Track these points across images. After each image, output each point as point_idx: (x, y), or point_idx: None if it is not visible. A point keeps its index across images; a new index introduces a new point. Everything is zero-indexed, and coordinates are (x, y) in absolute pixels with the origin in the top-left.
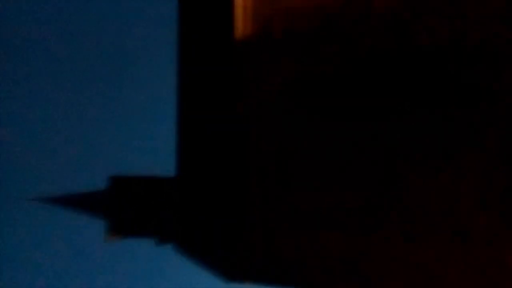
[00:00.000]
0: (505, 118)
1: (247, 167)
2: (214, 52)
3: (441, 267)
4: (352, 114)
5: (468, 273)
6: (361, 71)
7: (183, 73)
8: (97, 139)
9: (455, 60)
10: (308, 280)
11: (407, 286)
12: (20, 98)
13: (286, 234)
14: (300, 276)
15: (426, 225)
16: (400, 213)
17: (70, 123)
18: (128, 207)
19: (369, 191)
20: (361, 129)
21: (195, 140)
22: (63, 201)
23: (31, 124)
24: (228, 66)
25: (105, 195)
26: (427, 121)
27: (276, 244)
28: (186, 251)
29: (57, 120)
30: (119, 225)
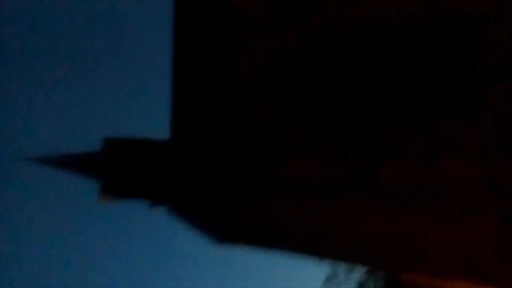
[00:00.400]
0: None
1: (235, 132)
2: (208, 17)
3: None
4: (342, 99)
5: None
6: (347, 48)
7: (178, 38)
8: (91, 101)
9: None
10: (299, 243)
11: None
12: (17, 61)
13: (275, 197)
14: (291, 238)
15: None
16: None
17: (65, 85)
18: (121, 169)
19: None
20: (347, 114)
21: (188, 104)
22: (58, 161)
23: (27, 86)
24: (222, 31)
25: (99, 156)
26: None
27: (266, 206)
28: (178, 214)
29: (52, 83)
30: (113, 187)
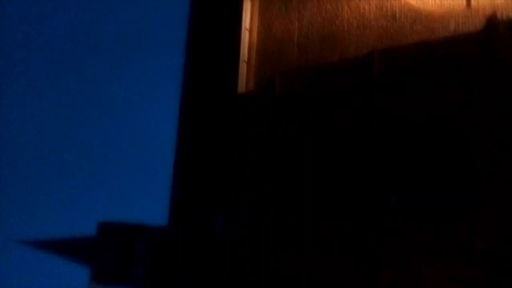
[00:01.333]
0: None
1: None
2: (216, 106)
3: None
4: (348, 177)
5: None
6: (356, 133)
7: (182, 122)
8: (88, 185)
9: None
10: None
11: None
12: (12, 135)
13: None
14: None
15: None
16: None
17: (60, 168)
18: (114, 254)
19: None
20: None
21: (188, 192)
22: (51, 245)
23: (22, 168)
24: (229, 121)
25: (93, 241)
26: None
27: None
28: None
29: (47, 165)
30: (105, 272)
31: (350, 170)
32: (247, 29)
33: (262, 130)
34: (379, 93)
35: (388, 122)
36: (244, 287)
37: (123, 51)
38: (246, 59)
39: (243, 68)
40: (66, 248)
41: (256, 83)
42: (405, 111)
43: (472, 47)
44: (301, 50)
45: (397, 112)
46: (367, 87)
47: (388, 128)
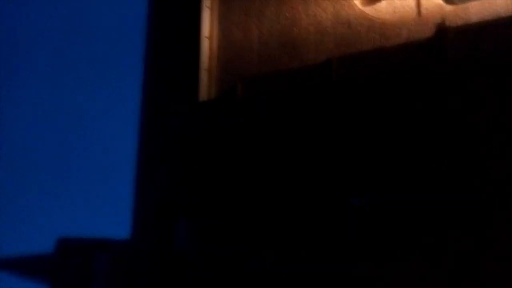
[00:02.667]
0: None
1: None
2: (178, 114)
3: None
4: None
5: None
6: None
7: (144, 136)
8: (46, 200)
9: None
10: None
11: None
12: None
13: None
14: None
15: None
16: None
17: (17, 184)
18: (75, 271)
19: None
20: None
21: (150, 203)
22: (9, 263)
23: None
24: (192, 128)
25: (51, 257)
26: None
27: None
28: None
29: (4, 181)
30: None
31: (309, 174)
32: (206, 37)
33: (225, 136)
34: (337, 97)
35: (347, 125)
36: None
37: (81, 60)
38: (206, 67)
39: (204, 76)
40: (25, 266)
41: (218, 90)
42: (362, 113)
43: (424, 52)
44: (261, 57)
45: (356, 114)
46: (326, 92)
47: (346, 130)
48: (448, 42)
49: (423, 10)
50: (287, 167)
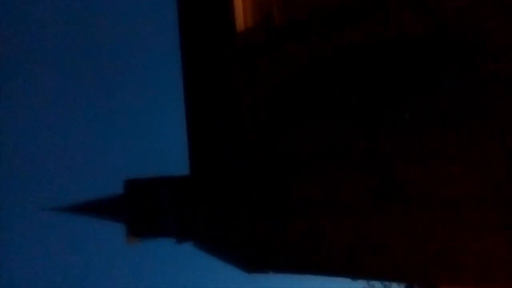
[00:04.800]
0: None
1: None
2: (216, 47)
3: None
4: (351, 112)
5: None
6: (361, 61)
7: (188, 72)
8: (108, 144)
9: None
10: (330, 265)
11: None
12: (32, 109)
13: (297, 220)
14: (320, 261)
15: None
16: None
17: (80, 130)
18: (145, 209)
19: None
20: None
21: (205, 137)
22: (81, 209)
23: (43, 134)
24: (230, 60)
25: (121, 199)
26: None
27: (290, 231)
28: (206, 247)
29: (67, 128)
30: (138, 227)
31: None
32: None
33: (266, 65)
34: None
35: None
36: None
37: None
38: None
39: (238, 5)
40: (97, 210)
41: (254, 18)
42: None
43: None
44: None
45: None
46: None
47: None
48: None
49: None
50: (334, 91)
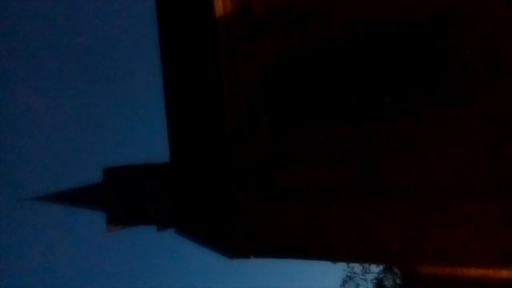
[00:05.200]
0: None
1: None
2: (196, 36)
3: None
4: (336, 106)
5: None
6: (342, 52)
7: (167, 61)
8: (87, 132)
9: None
10: (310, 250)
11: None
12: (11, 99)
13: (281, 208)
14: (301, 246)
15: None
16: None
17: (59, 119)
18: (125, 197)
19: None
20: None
21: (184, 124)
22: (60, 198)
23: (22, 123)
24: (210, 48)
25: (101, 187)
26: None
27: (273, 218)
28: (188, 234)
29: (47, 117)
30: (118, 215)
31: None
32: None
33: (248, 50)
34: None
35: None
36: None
37: None
38: None
39: None
40: (75, 198)
41: (233, 4)
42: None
43: None
44: None
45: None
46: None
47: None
48: None
49: None
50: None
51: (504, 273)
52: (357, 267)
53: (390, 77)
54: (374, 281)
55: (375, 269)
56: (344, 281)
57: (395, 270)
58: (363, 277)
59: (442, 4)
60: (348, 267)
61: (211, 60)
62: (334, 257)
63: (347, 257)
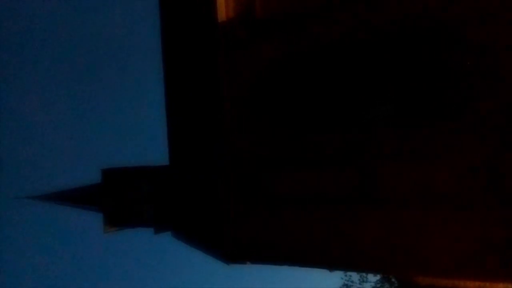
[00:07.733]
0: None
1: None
2: (198, 39)
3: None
4: (334, 105)
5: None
6: (342, 58)
7: (169, 63)
8: (86, 133)
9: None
10: (306, 257)
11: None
12: (9, 99)
13: (276, 214)
14: (298, 252)
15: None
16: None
17: (58, 119)
18: (122, 198)
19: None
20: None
21: (184, 128)
22: (57, 198)
23: (21, 123)
24: (211, 52)
25: (99, 188)
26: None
27: (269, 224)
28: (184, 238)
29: (45, 117)
30: (116, 216)
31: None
32: None
33: (249, 55)
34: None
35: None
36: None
37: None
38: None
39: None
40: (74, 198)
41: (235, 9)
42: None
43: None
44: None
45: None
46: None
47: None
48: None
49: None
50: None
51: (501, 286)
52: (354, 276)
53: (388, 85)
54: None
55: (373, 278)
56: None
57: (392, 279)
58: (360, 286)
59: (442, 14)
60: (346, 275)
61: (212, 65)
62: (330, 265)
63: (342, 265)
